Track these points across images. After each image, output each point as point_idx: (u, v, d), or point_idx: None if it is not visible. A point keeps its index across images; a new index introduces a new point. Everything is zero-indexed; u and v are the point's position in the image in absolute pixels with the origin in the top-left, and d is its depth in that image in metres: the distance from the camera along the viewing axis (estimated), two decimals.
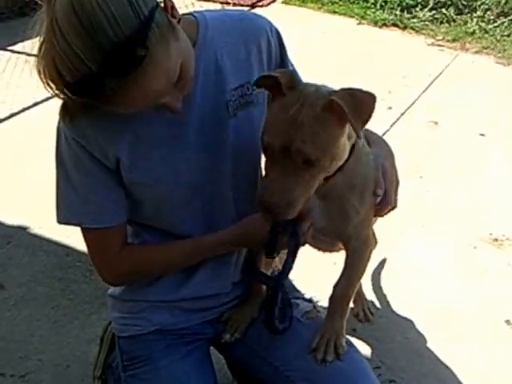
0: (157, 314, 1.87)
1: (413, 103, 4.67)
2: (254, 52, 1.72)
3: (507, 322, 2.83)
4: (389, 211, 1.81)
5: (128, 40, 1.28)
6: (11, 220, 3.41)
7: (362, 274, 1.88)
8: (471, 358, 2.64)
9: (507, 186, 3.80)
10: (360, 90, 1.46)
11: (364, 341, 2.70)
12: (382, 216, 1.83)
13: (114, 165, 1.61)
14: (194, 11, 1.72)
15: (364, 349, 2.65)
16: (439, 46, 5.65)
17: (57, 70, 1.32)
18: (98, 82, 1.31)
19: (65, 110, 1.53)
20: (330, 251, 2.09)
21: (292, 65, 1.87)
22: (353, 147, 1.63)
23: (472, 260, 3.20)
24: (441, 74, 5.13)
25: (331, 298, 1.82)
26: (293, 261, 1.70)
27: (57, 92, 1.38)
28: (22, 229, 3.35)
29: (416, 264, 3.14)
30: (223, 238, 1.77)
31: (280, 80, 1.48)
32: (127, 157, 1.60)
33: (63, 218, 1.69)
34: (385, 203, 1.76)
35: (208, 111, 1.67)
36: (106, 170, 1.62)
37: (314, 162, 1.44)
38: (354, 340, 2.60)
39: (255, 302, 1.94)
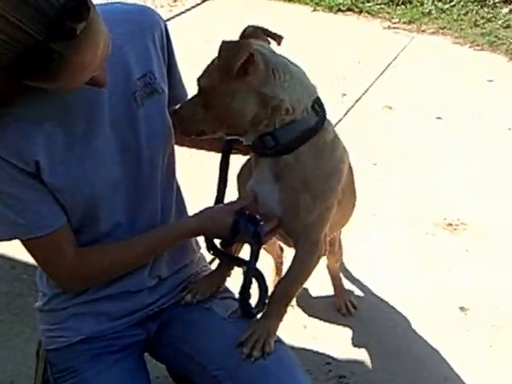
0: (82, 322, 1.83)
1: (367, 89, 4.60)
2: (150, 42, 1.72)
3: (461, 308, 2.79)
4: None
5: (69, 1, 1.25)
6: None
7: (306, 278, 1.84)
8: (425, 348, 2.60)
9: (463, 170, 3.76)
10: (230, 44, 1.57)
11: (314, 338, 2.64)
12: None
13: (35, 170, 1.56)
14: None
15: (313, 344, 2.60)
16: (395, 28, 5.58)
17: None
18: (45, 52, 1.27)
19: None
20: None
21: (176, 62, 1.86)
22: (308, 137, 1.66)
23: (427, 246, 3.15)
24: (396, 57, 5.06)
25: (270, 297, 1.80)
26: (255, 261, 1.76)
27: None
28: None
29: (371, 253, 3.08)
30: (187, 228, 1.80)
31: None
32: (45, 160, 1.55)
33: (2, 235, 1.64)
34: None
35: (118, 104, 1.65)
36: (30, 175, 1.56)
37: (202, 89, 1.65)
38: (303, 336, 2.62)
39: (222, 271, 1.93)
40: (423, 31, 5.52)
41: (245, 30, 1.71)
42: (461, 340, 2.64)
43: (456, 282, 2.93)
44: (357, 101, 4.45)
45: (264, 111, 1.62)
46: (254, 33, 1.70)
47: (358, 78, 4.73)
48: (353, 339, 2.65)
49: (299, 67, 1.70)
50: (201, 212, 1.81)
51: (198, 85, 1.67)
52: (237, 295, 1.82)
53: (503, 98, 4.55)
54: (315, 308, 2.78)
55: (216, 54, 1.59)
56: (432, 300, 2.83)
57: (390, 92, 4.57)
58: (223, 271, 1.94)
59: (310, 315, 2.75)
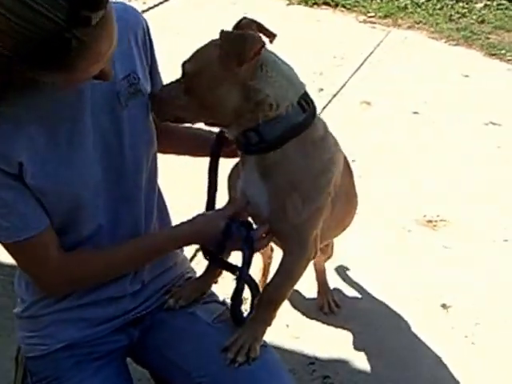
0: (62, 329, 1.78)
1: (344, 84, 4.58)
2: (133, 42, 1.69)
3: (443, 306, 2.78)
4: None
5: None
6: None
7: (296, 281, 1.81)
8: (408, 347, 2.59)
9: (440, 165, 3.76)
10: (244, 33, 1.56)
11: (296, 337, 2.61)
12: None
13: (18, 171, 1.51)
14: None
15: (296, 344, 2.57)
16: (371, 22, 5.58)
17: (12, 41, 1.24)
18: (65, 39, 1.25)
19: None
20: None
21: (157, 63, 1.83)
22: (294, 133, 1.63)
23: (406, 244, 3.14)
24: (373, 51, 5.05)
25: (258, 301, 1.76)
26: (248, 267, 1.71)
27: None
28: None
29: (350, 250, 3.02)
30: (177, 234, 1.76)
31: None
32: (28, 161, 1.51)
33: None
34: None
35: (102, 105, 1.61)
36: (13, 177, 1.52)
37: (186, 74, 1.62)
38: (286, 335, 2.59)
39: (208, 277, 1.90)
40: (399, 26, 5.52)
41: (240, 21, 1.67)
42: (444, 338, 2.63)
43: (437, 279, 2.92)
44: (334, 96, 4.43)
45: (247, 104, 1.59)
46: (248, 25, 1.66)
47: (335, 72, 4.71)
48: (336, 338, 2.62)
49: (288, 64, 1.67)
50: (193, 218, 1.76)
51: (183, 69, 1.64)
52: (228, 301, 1.79)
53: (479, 93, 4.56)
54: (297, 306, 2.75)
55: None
56: (414, 298, 2.82)
57: (367, 87, 4.56)
58: (209, 277, 1.90)
59: (292, 314, 2.72)
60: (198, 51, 1.64)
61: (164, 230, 1.84)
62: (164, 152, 1.90)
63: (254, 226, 1.76)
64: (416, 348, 2.58)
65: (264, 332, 1.74)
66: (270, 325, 1.76)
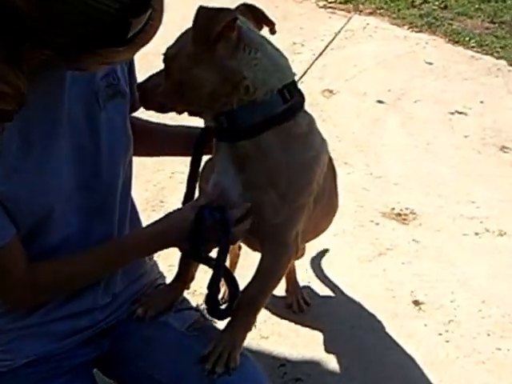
0: (26, 344, 1.66)
1: (306, 72, 4.47)
2: None
3: (415, 302, 2.71)
4: None
5: None
6: None
7: (276, 284, 1.70)
8: (382, 346, 2.51)
9: (408, 156, 3.68)
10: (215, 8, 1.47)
11: (265, 337, 2.51)
12: None
13: None
14: None
15: (265, 345, 2.49)
16: (332, 8, 5.45)
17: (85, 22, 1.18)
18: (142, 5, 1.21)
19: None
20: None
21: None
22: (269, 124, 1.53)
23: (375, 238, 3.05)
24: (334, 38, 4.94)
25: (237, 305, 1.63)
26: (225, 255, 1.60)
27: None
28: None
29: (314, 245, 2.93)
30: (149, 233, 1.65)
31: None
32: None
33: None
34: None
35: (79, 106, 1.51)
36: None
37: (167, 59, 1.56)
38: (254, 336, 2.48)
39: (179, 285, 1.80)
40: (360, 11, 5.39)
41: (237, 8, 1.60)
42: (417, 336, 2.57)
43: (408, 275, 2.85)
44: None
45: (224, 86, 1.50)
46: (244, 12, 1.59)
47: (295, 60, 4.56)
48: (307, 338, 2.53)
49: (280, 51, 1.58)
50: (166, 215, 1.65)
51: (165, 55, 1.58)
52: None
53: (443, 81, 4.49)
54: (265, 305, 2.63)
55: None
56: (385, 294, 2.75)
57: (329, 75, 4.45)
58: (179, 284, 1.80)
59: (260, 313, 2.59)
60: (180, 35, 1.58)
61: (135, 230, 1.75)
62: (140, 155, 1.80)
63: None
64: (389, 347, 2.51)
65: (244, 339, 1.63)
66: (250, 330, 1.66)
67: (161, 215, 1.64)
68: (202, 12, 1.45)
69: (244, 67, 1.49)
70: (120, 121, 1.61)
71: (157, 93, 1.59)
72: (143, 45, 1.30)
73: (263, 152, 1.55)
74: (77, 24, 1.17)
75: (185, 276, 1.79)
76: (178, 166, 3.10)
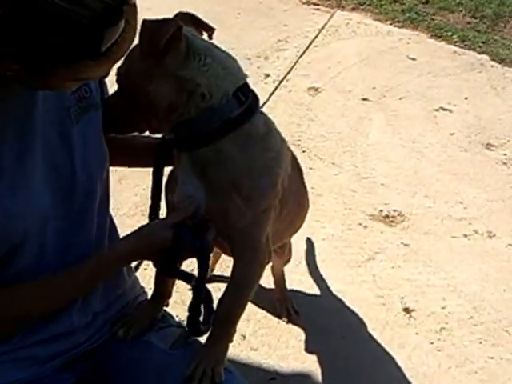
0: (8, 368, 1.57)
1: (291, 69, 4.40)
2: None
3: (406, 310, 2.66)
4: None
5: None
6: None
7: (252, 289, 1.65)
8: (372, 356, 2.46)
9: (394, 155, 3.63)
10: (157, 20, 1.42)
11: (255, 349, 2.46)
12: None
13: None
14: None
15: (254, 357, 2.43)
16: (315, 4, 5.40)
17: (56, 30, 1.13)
18: (115, 15, 1.16)
19: None
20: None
21: None
22: (227, 128, 1.51)
23: (363, 242, 3.00)
24: (318, 34, 4.88)
25: (214, 318, 1.60)
26: (205, 274, 1.58)
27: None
28: None
29: (301, 250, 2.90)
30: (118, 254, 1.59)
31: None
32: None
33: None
34: None
35: (51, 122, 1.44)
36: None
37: (119, 77, 1.51)
38: (243, 348, 2.43)
39: (158, 302, 1.76)
40: (343, 7, 5.36)
41: (176, 16, 1.56)
42: (409, 346, 2.52)
43: (397, 280, 2.80)
44: (280, 82, 4.24)
45: (180, 97, 1.47)
46: (183, 20, 1.53)
47: (281, 57, 4.53)
48: (296, 349, 2.48)
49: (227, 53, 1.55)
50: (132, 233, 1.59)
51: (118, 74, 1.52)
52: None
53: (427, 77, 4.46)
54: (254, 315, 2.59)
55: None
56: (373, 302, 2.70)
57: (314, 72, 4.40)
58: (158, 301, 1.76)
59: (248, 324, 2.56)
60: (129, 53, 1.48)
61: (107, 249, 1.66)
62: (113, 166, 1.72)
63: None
64: (380, 358, 2.46)
65: (226, 351, 1.60)
66: (231, 341, 1.63)
67: None
68: (147, 25, 1.41)
69: (196, 75, 1.46)
70: (94, 134, 1.56)
71: (116, 114, 1.55)
72: (117, 59, 1.26)
73: (223, 157, 1.53)
74: (48, 33, 1.12)
75: (162, 292, 1.76)
76: (167, 170, 3.03)
